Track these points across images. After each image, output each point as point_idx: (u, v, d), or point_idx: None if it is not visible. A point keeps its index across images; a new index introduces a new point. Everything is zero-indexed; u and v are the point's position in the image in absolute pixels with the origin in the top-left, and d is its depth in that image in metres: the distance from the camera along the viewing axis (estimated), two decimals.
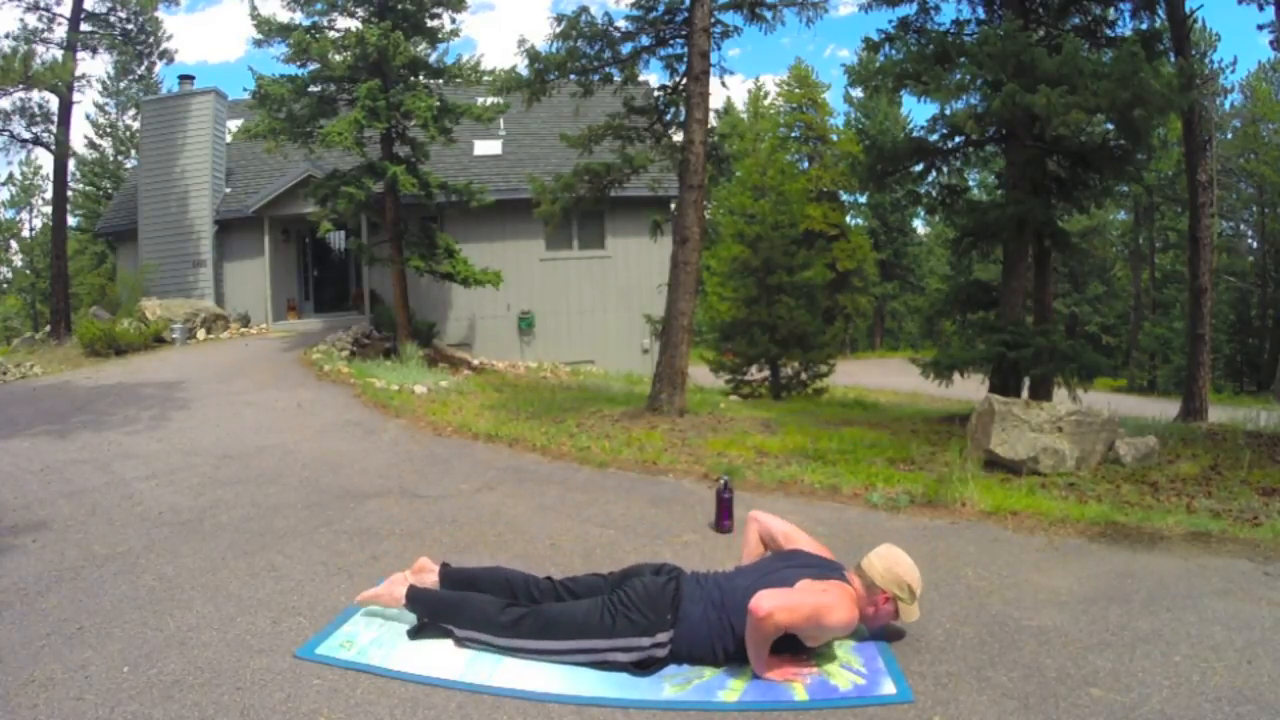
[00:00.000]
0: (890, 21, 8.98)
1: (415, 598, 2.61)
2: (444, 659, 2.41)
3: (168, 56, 16.83)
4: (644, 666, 2.36)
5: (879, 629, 2.56)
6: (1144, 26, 8.78)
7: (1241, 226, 29.64)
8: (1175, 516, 3.89)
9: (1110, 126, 8.74)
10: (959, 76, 7.41)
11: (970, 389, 9.02)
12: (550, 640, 2.40)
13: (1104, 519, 3.81)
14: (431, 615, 2.57)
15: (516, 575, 2.67)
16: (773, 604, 2.25)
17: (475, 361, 14.39)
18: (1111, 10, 8.79)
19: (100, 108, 29.75)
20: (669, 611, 2.38)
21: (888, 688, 2.24)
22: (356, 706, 2.16)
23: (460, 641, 2.49)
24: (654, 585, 2.44)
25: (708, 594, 2.43)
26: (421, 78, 12.39)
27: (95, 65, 43.25)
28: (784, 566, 2.52)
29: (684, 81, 8.09)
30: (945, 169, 9.39)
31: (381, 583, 2.81)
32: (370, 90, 11.13)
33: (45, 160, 30.61)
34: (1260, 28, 11.39)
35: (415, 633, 2.56)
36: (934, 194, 9.53)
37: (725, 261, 15.81)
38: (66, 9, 14.07)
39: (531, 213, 10.43)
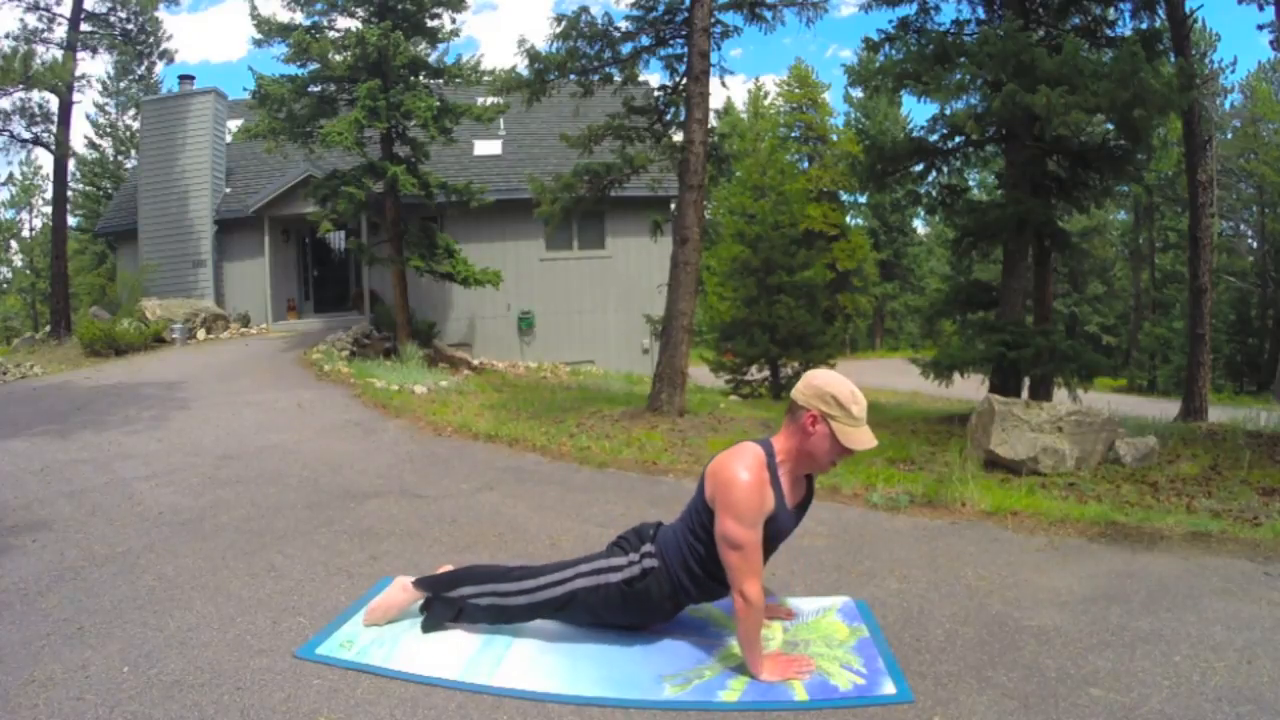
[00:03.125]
0: (890, 21, 9.00)
1: (423, 580, 2.67)
2: (444, 659, 2.41)
3: (168, 56, 16.85)
4: (632, 585, 2.42)
5: (828, 466, 2.38)
6: (1144, 26, 8.79)
7: (1241, 226, 29.69)
8: (1175, 516, 3.89)
9: (1110, 126, 8.76)
10: (959, 76, 7.42)
11: (970, 389, 9.02)
12: (547, 575, 2.49)
13: (1104, 519, 3.80)
14: (436, 587, 2.61)
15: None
16: (740, 585, 2.24)
17: (475, 361, 14.39)
18: (1111, 10, 8.80)
19: (100, 108, 29.76)
20: (651, 530, 2.55)
21: (888, 688, 2.24)
22: (356, 706, 2.16)
23: (473, 601, 2.55)
24: (639, 524, 2.65)
25: (680, 517, 2.54)
26: (421, 78, 12.40)
27: (95, 65, 43.38)
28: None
29: (684, 81, 8.09)
30: (945, 169, 9.40)
31: (382, 586, 2.82)
32: (370, 90, 11.13)
33: (45, 160, 30.67)
34: (1260, 28, 11.39)
35: (427, 618, 2.60)
36: (934, 194, 9.55)
37: (725, 261, 15.83)
38: (66, 9, 14.09)
39: (531, 213, 10.44)
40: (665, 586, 2.43)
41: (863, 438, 2.29)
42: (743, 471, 2.24)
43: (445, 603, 2.58)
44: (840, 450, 2.31)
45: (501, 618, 2.55)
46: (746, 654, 2.30)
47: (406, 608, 2.64)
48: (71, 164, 20.29)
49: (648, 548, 2.46)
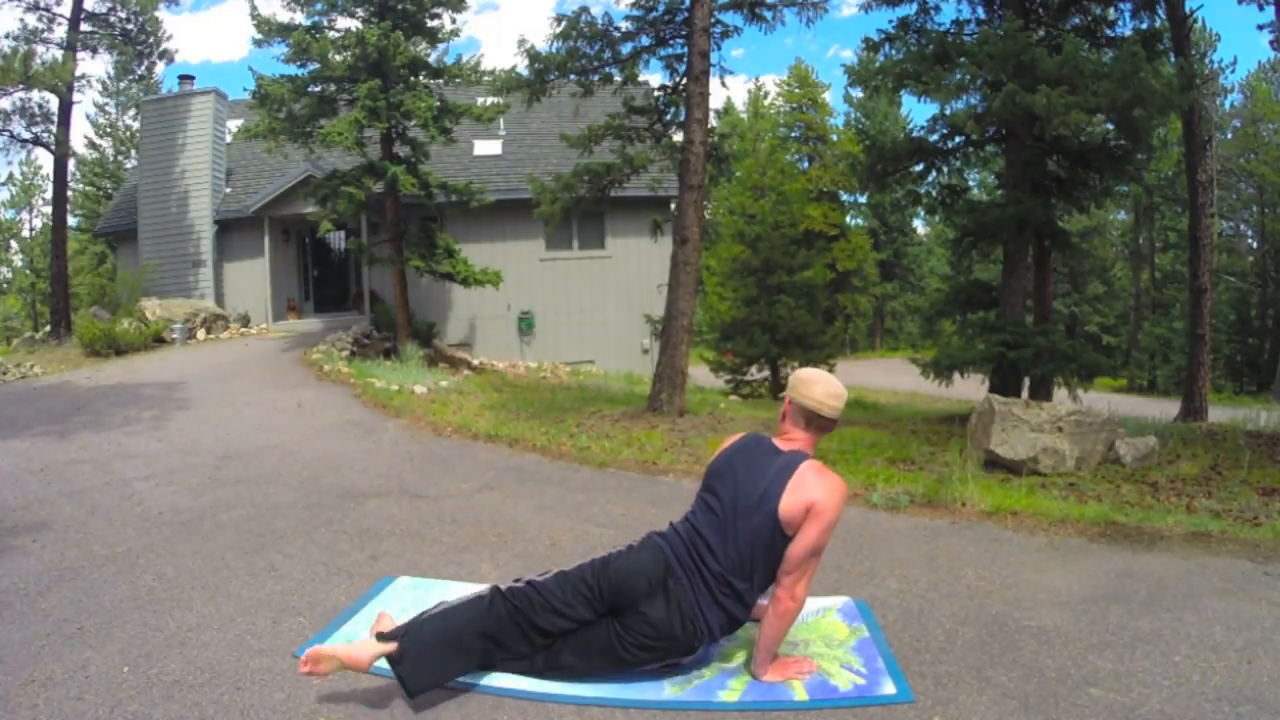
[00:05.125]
0: (890, 21, 9.00)
1: (405, 651, 2.22)
2: None
3: (168, 56, 16.70)
4: (691, 651, 2.31)
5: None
6: (1144, 26, 8.79)
7: (1241, 226, 29.65)
8: (1175, 516, 3.89)
9: (1110, 126, 8.76)
10: (959, 76, 7.42)
11: (970, 389, 9.03)
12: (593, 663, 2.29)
13: (1104, 519, 3.81)
14: (429, 673, 2.22)
15: (498, 625, 2.28)
16: (795, 586, 2.21)
17: (475, 361, 14.39)
18: (1111, 10, 8.80)
19: (100, 108, 29.79)
20: (688, 633, 2.25)
21: (888, 688, 2.24)
22: (356, 706, 2.16)
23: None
24: (656, 615, 2.23)
25: (690, 576, 2.28)
26: (421, 78, 12.40)
27: (95, 65, 43.26)
28: (742, 497, 2.29)
29: (684, 81, 8.09)
30: (945, 169, 9.40)
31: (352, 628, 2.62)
32: (370, 90, 11.13)
33: (45, 160, 30.62)
34: (1260, 28, 11.40)
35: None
36: (934, 194, 9.54)
37: (725, 261, 15.83)
38: (66, 9, 14.06)
39: (531, 213, 10.43)
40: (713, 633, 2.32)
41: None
42: (843, 491, 2.29)
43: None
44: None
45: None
46: (763, 652, 2.29)
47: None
48: (71, 164, 20.28)
49: (695, 648, 2.28)
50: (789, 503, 2.22)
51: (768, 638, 2.27)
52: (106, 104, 29.60)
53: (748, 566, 2.26)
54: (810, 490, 2.22)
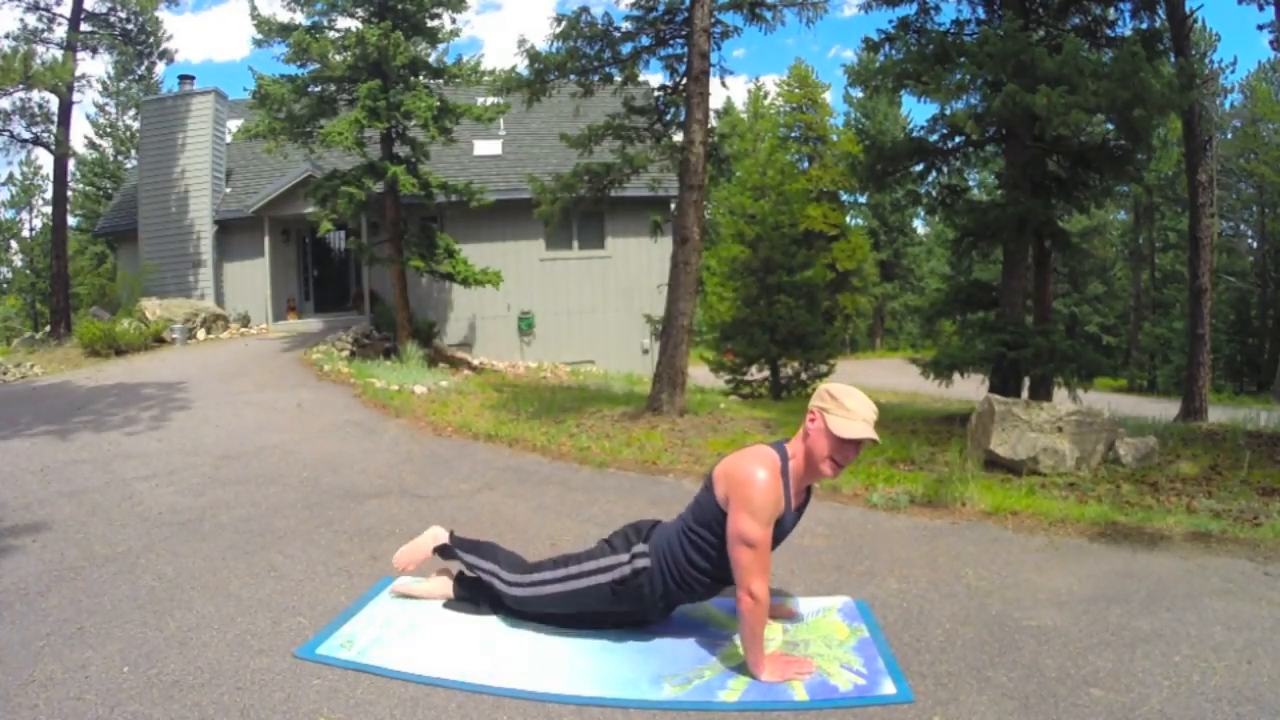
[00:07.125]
0: (890, 21, 8.96)
1: (457, 540, 2.85)
2: (444, 659, 2.42)
3: (168, 56, 16.79)
4: (624, 584, 2.44)
5: (830, 467, 2.36)
6: (1144, 26, 8.77)
7: (1241, 226, 29.66)
8: (1175, 516, 3.89)
9: (1110, 126, 8.75)
10: (959, 76, 7.40)
11: (970, 389, 9.01)
12: (546, 572, 2.58)
13: (1104, 519, 3.81)
14: (461, 545, 2.81)
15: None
16: (747, 582, 2.24)
17: (475, 361, 14.40)
18: (1111, 10, 8.78)
19: (100, 108, 29.82)
20: (647, 531, 2.56)
21: (888, 688, 2.24)
22: (356, 706, 2.16)
23: (475, 571, 2.74)
24: (636, 521, 2.67)
25: (678, 517, 2.56)
26: (421, 78, 12.40)
27: (95, 65, 43.37)
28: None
29: (684, 81, 8.08)
30: (945, 169, 9.37)
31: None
32: (370, 90, 11.13)
33: (45, 160, 30.60)
34: (1260, 28, 11.39)
35: (455, 595, 2.82)
36: (934, 194, 9.51)
37: (725, 261, 15.80)
38: (66, 9, 14.10)
39: (531, 213, 10.43)
40: (658, 586, 2.45)
41: (854, 427, 2.32)
42: (760, 471, 2.29)
43: (467, 580, 2.81)
44: (836, 444, 2.33)
45: (498, 602, 2.67)
46: (748, 652, 2.30)
47: (428, 558, 2.88)
48: (71, 164, 20.30)
49: (640, 547, 2.48)
50: (722, 477, 2.36)
51: (743, 637, 2.33)
52: (106, 104, 29.66)
53: (708, 534, 2.39)
54: (731, 477, 2.32)
